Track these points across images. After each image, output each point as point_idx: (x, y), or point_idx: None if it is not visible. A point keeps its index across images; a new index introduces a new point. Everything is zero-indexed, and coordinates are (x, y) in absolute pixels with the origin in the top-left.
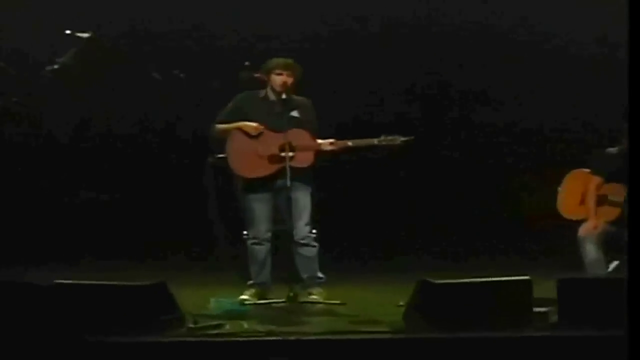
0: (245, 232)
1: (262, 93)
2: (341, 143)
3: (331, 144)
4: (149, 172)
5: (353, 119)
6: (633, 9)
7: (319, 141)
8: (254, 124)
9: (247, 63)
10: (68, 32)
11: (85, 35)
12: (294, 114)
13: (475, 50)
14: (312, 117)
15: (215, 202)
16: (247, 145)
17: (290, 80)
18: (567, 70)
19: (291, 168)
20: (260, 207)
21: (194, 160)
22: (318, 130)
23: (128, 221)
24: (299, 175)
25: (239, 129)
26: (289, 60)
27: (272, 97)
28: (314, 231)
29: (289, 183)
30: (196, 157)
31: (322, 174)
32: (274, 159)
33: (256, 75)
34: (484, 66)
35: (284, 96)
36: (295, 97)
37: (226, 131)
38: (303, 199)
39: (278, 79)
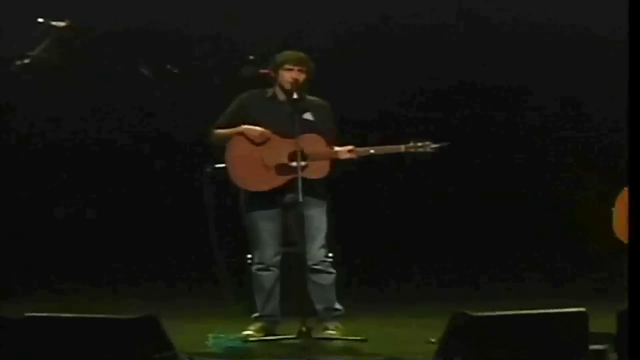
0: (249, 256)
1: (269, 92)
2: (362, 150)
3: (350, 151)
4: (136, 183)
5: (375, 123)
6: (633, 9)
7: (336, 148)
8: (259, 129)
9: (251, 57)
10: (41, 20)
11: (61, 24)
12: (307, 116)
13: (511, 48)
14: (328, 121)
15: (214, 221)
16: (252, 153)
17: (302, 77)
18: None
19: (303, 180)
20: (266, 226)
21: (189, 171)
22: (336, 136)
23: (112, 242)
24: (313, 188)
25: (242, 134)
26: (301, 54)
27: (281, 96)
28: (330, 255)
29: (300, 198)
30: (192, 167)
31: (339, 187)
32: (282, 169)
33: (262, 71)
34: (517, 65)
35: (295, 96)
36: (308, 97)
37: (227, 137)
38: (317, 217)
39: (288, 76)
